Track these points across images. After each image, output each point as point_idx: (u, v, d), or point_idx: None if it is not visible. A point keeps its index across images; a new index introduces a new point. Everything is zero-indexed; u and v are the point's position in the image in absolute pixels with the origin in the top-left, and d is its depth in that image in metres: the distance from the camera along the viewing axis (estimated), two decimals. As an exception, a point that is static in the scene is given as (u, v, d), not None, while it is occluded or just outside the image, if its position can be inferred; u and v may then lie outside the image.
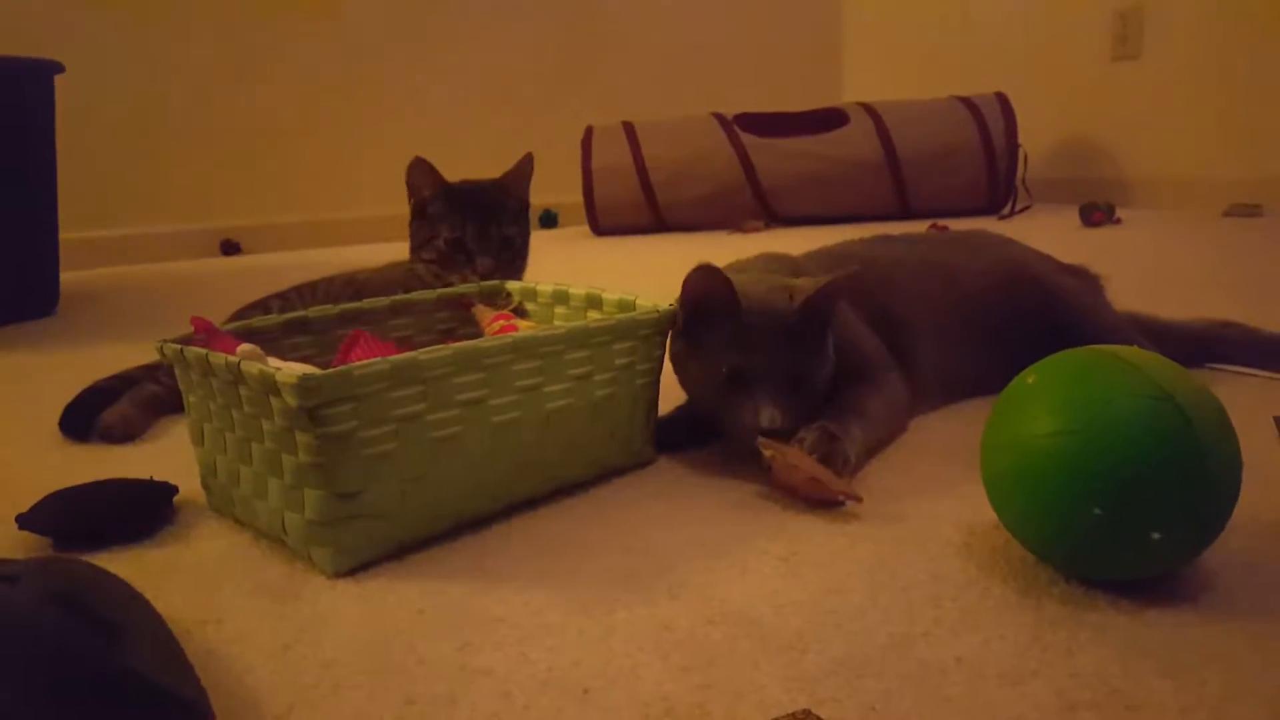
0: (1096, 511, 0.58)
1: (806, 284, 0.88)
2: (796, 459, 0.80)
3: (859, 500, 0.78)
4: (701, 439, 0.98)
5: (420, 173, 1.30)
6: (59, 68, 2.08)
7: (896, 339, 1.01)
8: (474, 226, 1.28)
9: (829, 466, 0.81)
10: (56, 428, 1.13)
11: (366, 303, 1.02)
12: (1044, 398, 0.63)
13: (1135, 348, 0.65)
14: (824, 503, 0.80)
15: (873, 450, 0.92)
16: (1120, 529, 0.59)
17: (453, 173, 1.32)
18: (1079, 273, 1.16)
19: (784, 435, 0.84)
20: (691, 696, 0.53)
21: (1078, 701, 0.51)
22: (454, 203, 1.30)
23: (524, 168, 1.35)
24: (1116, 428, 0.59)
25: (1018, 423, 0.64)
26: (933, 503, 0.79)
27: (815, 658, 0.57)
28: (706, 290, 0.87)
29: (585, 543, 0.75)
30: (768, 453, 0.82)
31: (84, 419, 1.12)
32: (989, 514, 0.70)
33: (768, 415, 0.84)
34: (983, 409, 0.74)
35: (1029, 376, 0.66)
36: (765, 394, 0.85)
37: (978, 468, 0.68)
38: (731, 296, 0.86)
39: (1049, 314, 1.04)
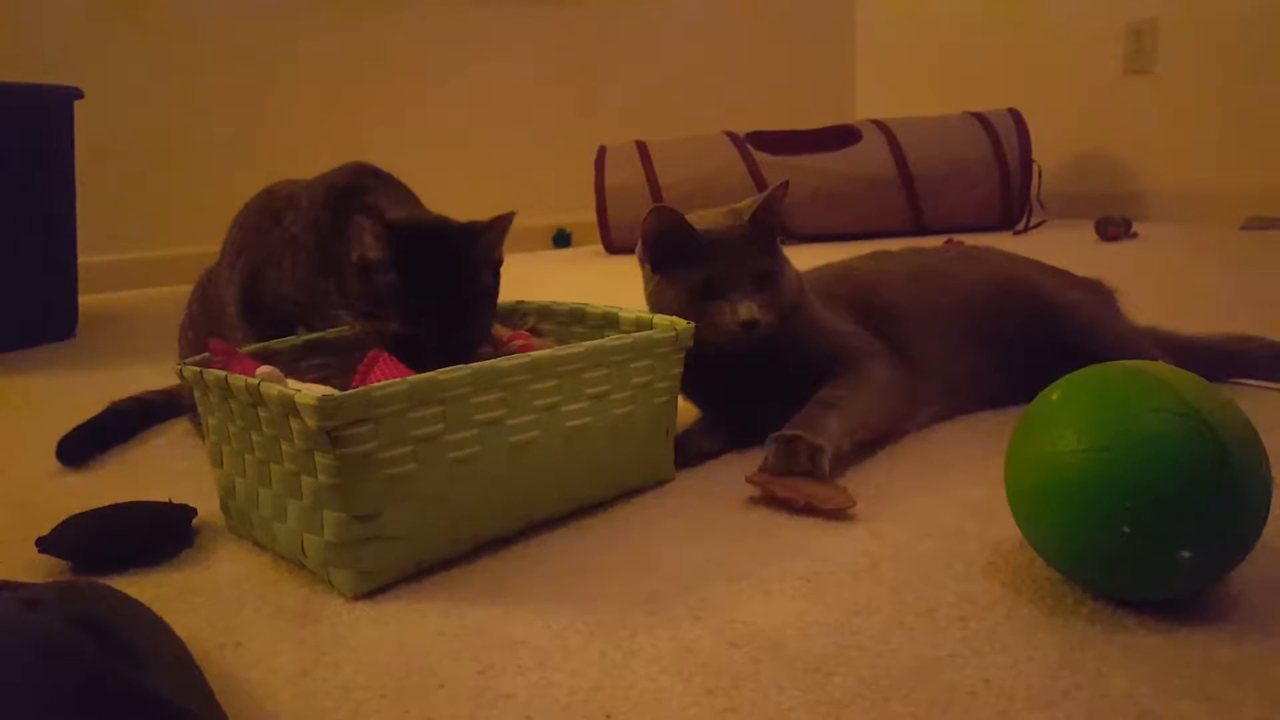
0: (1125, 530, 0.57)
1: (749, 204, 1.00)
2: (786, 490, 0.82)
3: (852, 505, 0.80)
4: (722, 447, 0.99)
5: None
6: (78, 94, 2.10)
7: (884, 330, 1.03)
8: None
9: (792, 472, 0.84)
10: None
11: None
12: (1069, 414, 0.62)
13: (1160, 363, 0.65)
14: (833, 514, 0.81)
15: (862, 438, 0.93)
16: (1149, 547, 0.58)
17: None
18: (1092, 286, 1.15)
19: (764, 329, 0.93)
20: (716, 720, 0.53)
21: (1110, 724, 0.50)
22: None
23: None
24: (1144, 445, 0.58)
25: (1043, 440, 0.63)
26: (956, 521, 0.78)
27: (841, 681, 0.56)
28: (664, 226, 0.97)
29: (606, 564, 0.75)
30: (757, 492, 0.85)
31: (86, 446, 1.12)
32: (1014, 532, 0.69)
33: (745, 308, 0.93)
34: (1002, 424, 0.74)
35: (1053, 393, 0.65)
36: (738, 294, 0.94)
37: (1001, 485, 0.67)
38: (685, 226, 0.96)
39: (1054, 327, 1.04)
